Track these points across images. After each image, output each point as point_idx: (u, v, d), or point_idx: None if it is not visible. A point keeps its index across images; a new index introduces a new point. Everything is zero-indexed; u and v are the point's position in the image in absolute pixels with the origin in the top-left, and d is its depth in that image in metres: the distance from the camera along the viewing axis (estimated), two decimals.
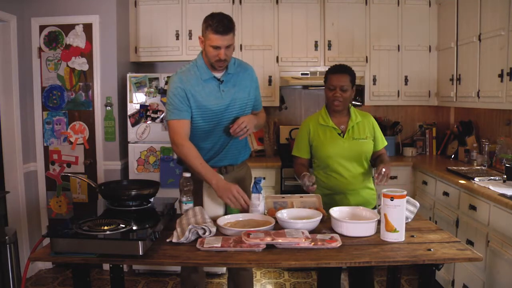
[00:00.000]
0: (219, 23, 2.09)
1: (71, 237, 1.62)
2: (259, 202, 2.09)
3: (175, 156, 3.45)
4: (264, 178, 2.23)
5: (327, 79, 2.39)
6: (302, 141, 2.47)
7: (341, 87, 2.33)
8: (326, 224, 1.94)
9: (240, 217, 1.99)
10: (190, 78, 2.21)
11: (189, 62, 2.30)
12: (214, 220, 1.92)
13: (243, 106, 2.30)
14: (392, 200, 1.73)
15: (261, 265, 1.68)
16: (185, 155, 2.13)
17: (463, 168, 3.24)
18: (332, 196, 2.39)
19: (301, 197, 2.23)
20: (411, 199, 2.01)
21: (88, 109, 3.56)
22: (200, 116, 2.22)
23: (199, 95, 2.19)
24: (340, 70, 2.37)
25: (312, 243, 1.67)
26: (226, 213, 2.10)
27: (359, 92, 4.05)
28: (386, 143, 2.50)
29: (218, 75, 2.25)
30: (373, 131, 2.43)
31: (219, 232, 1.85)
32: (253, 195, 2.10)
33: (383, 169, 2.18)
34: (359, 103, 4.07)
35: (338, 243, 1.69)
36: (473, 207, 2.70)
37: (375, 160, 2.45)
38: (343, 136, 2.38)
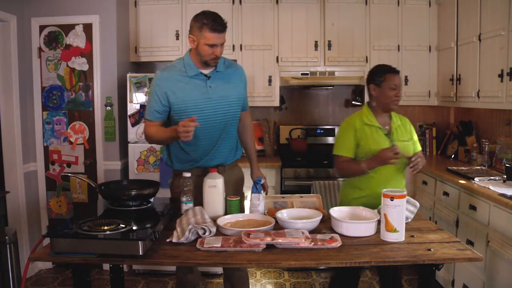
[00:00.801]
0: (215, 22, 2.10)
1: (71, 237, 1.62)
2: (259, 202, 2.09)
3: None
4: (264, 178, 2.23)
5: (385, 79, 2.33)
6: (348, 140, 2.36)
7: (399, 86, 2.33)
8: (326, 224, 1.94)
9: (240, 217, 1.99)
10: (173, 74, 2.22)
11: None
12: (214, 220, 1.92)
13: (232, 103, 2.29)
14: (392, 200, 1.73)
15: (261, 265, 1.68)
16: (152, 136, 2.23)
17: (463, 168, 3.24)
18: (369, 197, 2.31)
19: (301, 197, 2.24)
20: (411, 199, 2.01)
21: (88, 109, 3.56)
22: (184, 111, 2.19)
23: (181, 91, 2.19)
24: (396, 70, 2.38)
25: (312, 243, 1.67)
26: (226, 213, 2.10)
27: (359, 92, 4.05)
28: (420, 148, 2.48)
29: (206, 71, 2.24)
30: (410, 134, 2.43)
31: (219, 232, 1.85)
32: (253, 195, 2.10)
33: (419, 158, 2.20)
34: (359, 103, 4.07)
35: (338, 243, 1.69)
36: (473, 207, 2.70)
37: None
38: (389, 137, 2.35)
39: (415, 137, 2.45)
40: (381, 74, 2.36)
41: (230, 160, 2.38)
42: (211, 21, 2.09)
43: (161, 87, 2.19)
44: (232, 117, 2.30)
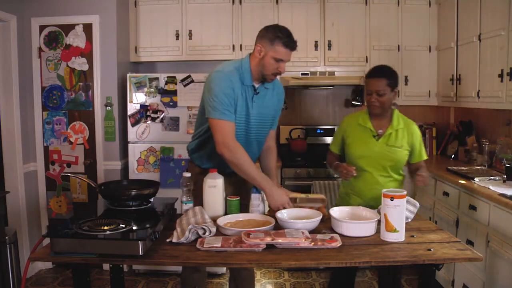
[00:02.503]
0: (290, 38, 2.10)
1: (71, 237, 1.62)
2: (259, 202, 2.10)
3: (175, 156, 3.45)
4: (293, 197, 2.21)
5: (366, 83, 2.35)
6: (337, 137, 2.52)
7: (377, 91, 2.27)
8: (326, 224, 1.94)
9: (240, 217, 1.99)
10: (237, 80, 2.14)
11: (229, 61, 2.24)
12: (214, 220, 1.92)
13: (266, 122, 2.30)
14: (392, 200, 1.73)
15: (261, 265, 1.68)
16: (239, 158, 2.05)
17: (463, 168, 3.23)
18: (351, 197, 2.41)
19: (307, 196, 2.21)
20: (411, 199, 2.01)
21: (88, 109, 3.56)
22: None
23: (237, 99, 2.14)
24: (376, 74, 2.31)
25: (312, 243, 1.67)
26: (226, 213, 2.10)
27: (359, 92, 4.05)
28: (425, 158, 2.42)
29: (256, 85, 2.21)
30: (411, 142, 2.37)
31: (219, 232, 1.85)
32: (253, 195, 2.11)
33: (423, 174, 2.25)
34: (359, 103, 4.07)
35: (338, 243, 1.69)
36: (473, 207, 2.70)
37: (413, 172, 2.39)
38: (377, 140, 2.34)
39: (418, 145, 2.38)
40: (366, 77, 2.38)
41: None
42: (285, 36, 2.09)
43: (233, 89, 2.10)
44: (262, 135, 2.31)
